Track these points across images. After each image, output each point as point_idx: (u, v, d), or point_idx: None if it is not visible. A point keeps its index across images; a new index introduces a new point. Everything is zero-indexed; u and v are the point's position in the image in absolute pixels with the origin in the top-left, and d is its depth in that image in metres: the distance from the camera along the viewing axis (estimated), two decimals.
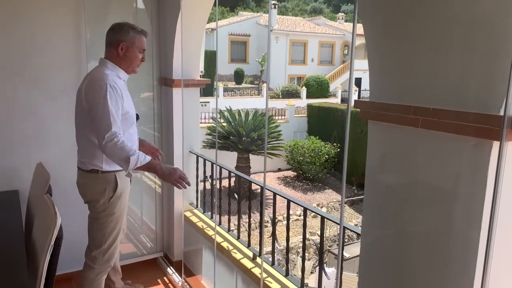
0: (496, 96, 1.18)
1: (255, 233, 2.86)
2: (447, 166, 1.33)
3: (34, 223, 2.36)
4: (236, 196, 2.98)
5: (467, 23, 1.23)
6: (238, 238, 2.97)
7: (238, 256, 2.80)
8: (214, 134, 13.16)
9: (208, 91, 22.90)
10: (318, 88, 24.25)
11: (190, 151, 3.55)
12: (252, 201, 12.75)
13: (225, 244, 2.96)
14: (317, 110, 17.24)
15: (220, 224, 3.23)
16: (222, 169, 3.19)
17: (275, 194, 2.51)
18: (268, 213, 12.31)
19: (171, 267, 3.53)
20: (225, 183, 3.20)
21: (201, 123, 15.44)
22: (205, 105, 19.68)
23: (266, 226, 11.72)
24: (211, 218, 3.32)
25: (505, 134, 1.16)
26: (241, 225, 3.02)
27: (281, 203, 13.26)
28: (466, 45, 1.24)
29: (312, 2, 56.31)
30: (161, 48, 3.48)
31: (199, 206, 3.59)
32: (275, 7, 28.93)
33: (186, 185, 2.14)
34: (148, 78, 3.53)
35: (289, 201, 2.37)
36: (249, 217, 2.83)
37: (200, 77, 3.66)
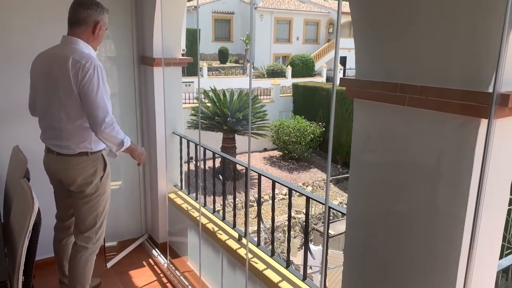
0: (484, 73, 1.15)
1: (241, 213, 2.84)
2: (434, 145, 1.30)
3: (12, 208, 2.29)
4: (221, 177, 2.93)
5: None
6: (223, 219, 2.95)
7: (223, 237, 2.78)
8: (200, 115, 13.03)
9: (192, 70, 22.55)
10: (303, 67, 24.10)
11: (173, 132, 3.47)
12: (238, 181, 12.80)
13: (210, 226, 2.94)
14: (302, 89, 17.17)
15: (205, 205, 3.20)
16: (207, 150, 3.14)
17: (260, 175, 2.47)
18: (253, 193, 12.39)
19: (156, 249, 3.50)
20: (210, 163, 3.14)
21: (185, 103, 15.24)
22: (189, 85, 19.38)
23: (252, 206, 11.82)
24: (196, 199, 3.28)
25: (493, 111, 1.13)
26: (227, 205, 2.99)
27: (267, 183, 13.31)
28: (454, 20, 1.20)
29: None
30: (139, 26, 3.34)
31: (183, 187, 3.54)
32: None
33: (143, 161, 2.42)
34: (128, 56, 3.40)
35: (274, 182, 2.34)
36: (234, 198, 2.79)
37: (182, 56, 3.55)
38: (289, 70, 23.06)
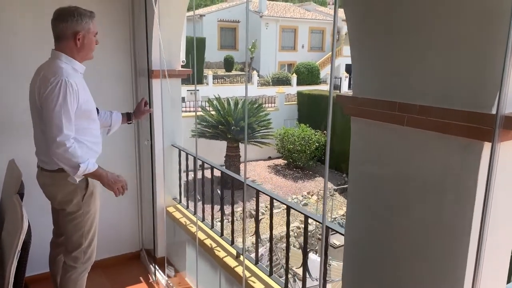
0: (487, 93, 1.07)
1: (241, 227, 2.73)
2: (435, 168, 1.23)
3: (4, 224, 2.24)
4: (219, 191, 2.87)
5: (457, 14, 1.12)
6: (221, 235, 2.88)
7: (221, 254, 2.70)
8: (203, 123, 12.98)
9: (197, 78, 22.58)
10: (308, 75, 24.06)
11: (172, 145, 3.42)
12: (240, 190, 12.70)
13: (208, 242, 2.87)
14: (307, 97, 17.10)
15: (203, 220, 3.13)
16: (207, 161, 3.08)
17: (257, 192, 2.40)
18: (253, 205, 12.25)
19: (154, 264, 3.43)
20: (212, 174, 3.07)
21: (190, 111, 15.24)
22: (194, 93, 19.43)
23: (253, 217, 11.73)
24: (194, 213, 3.22)
25: (497, 134, 1.05)
26: (226, 219, 2.92)
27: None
28: (457, 38, 1.13)
29: None
30: (138, 38, 3.31)
31: (182, 201, 3.48)
32: None
33: (121, 192, 2.23)
34: (126, 68, 3.36)
35: (272, 199, 2.26)
36: (232, 214, 2.72)
37: (182, 67, 3.51)
38: (294, 78, 23.04)
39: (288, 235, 2.28)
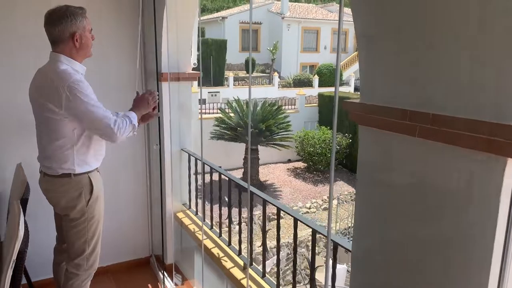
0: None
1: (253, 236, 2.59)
2: (450, 187, 1.08)
3: (6, 230, 2.21)
4: (226, 199, 2.77)
5: (482, 18, 0.97)
6: (229, 244, 2.77)
7: (228, 264, 2.60)
8: (222, 125, 12.94)
9: (218, 80, 22.64)
10: (330, 76, 23.72)
11: (182, 149, 3.34)
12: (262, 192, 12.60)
13: (216, 251, 2.77)
14: (328, 99, 16.83)
15: (211, 227, 3.03)
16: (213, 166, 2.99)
17: (264, 201, 2.27)
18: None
19: (163, 271, 3.36)
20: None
21: (210, 113, 15.25)
22: (215, 95, 19.48)
23: (272, 220, 11.58)
24: (203, 221, 3.12)
25: None
26: (235, 226, 2.81)
27: (290, 196, 12.91)
28: (480, 42, 0.98)
29: None
30: (147, 41, 3.25)
31: (191, 206, 3.39)
32: None
33: (156, 94, 2.30)
34: (136, 71, 3.31)
35: (279, 209, 2.14)
36: (240, 224, 2.60)
37: (194, 70, 3.44)
38: (316, 80, 22.77)
39: (295, 249, 2.14)
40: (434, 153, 1.11)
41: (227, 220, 2.82)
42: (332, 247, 1.81)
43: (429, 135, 1.10)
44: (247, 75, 25.26)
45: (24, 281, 2.76)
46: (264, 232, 2.31)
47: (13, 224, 1.91)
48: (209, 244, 2.85)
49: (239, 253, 2.65)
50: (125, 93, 3.31)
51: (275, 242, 9.43)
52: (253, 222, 2.37)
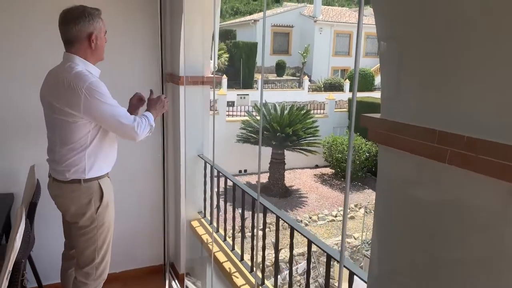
0: None
1: (267, 249, 2.40)
2: (489, 230, 0.88)
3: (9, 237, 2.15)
4: (239, 211, 2.61)
5: None
6: (241, 259, 2.62)
7: (239, 281, 2.45)
8: (248, 128, 12.83)
9: (248, 83, 22.58)
10: (362, 81, 23.14)
11: (198, 155, 3.22)
12: (286, 199, 12.36)
13: (227, 265, 2.62)
14: (359, 104, 16.33)
15: (225, 239, 2.89)
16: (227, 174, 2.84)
17: (278, 218, 2.10)
18: (301, 212, 11.73)
19: (176, 281, 3.25)
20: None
21: (238, 116, 15.20)
22: (244, 98, 19.43)
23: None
24: (216, 231, 2.99)
25: None
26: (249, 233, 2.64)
27: (316, 202, 12.63)
28: None
29: None
30: (167, 43, 3.17)
31: (206, 215, 3.27)
32: None
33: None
34: (156, 74, 3.23)
35: (292, 228, 1.96)
36: (252, 239, 2.45)
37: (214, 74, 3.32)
38: (347, 84, 22.29)
39: (309, 271, 1.96)
40: (470, 183, 0.92)
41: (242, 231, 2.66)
42: (345, 270, 1.62)
43: (463, 162, 0.90)
44: (278, 78, 25.10)
45: (34, 283, 2.74)
46: (276, 251, 2.14)
47: (12, 233, 1.85)
48: (221, 257, 2.71)
49: (251, 270, 2.49)
50: (145, 95, 3.25)
51: (297, 250, 9.22)
52: (261, 240, 2.20)
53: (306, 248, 2.06)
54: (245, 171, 14.07)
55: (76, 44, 1.89)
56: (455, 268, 0.98)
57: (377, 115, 1.17)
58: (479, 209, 0.91)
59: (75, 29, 1.86)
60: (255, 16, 30.55)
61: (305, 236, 1.84)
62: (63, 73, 1.88)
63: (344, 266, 1.58)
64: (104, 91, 1.90)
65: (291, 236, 1.99)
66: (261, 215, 2.29)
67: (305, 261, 9.59)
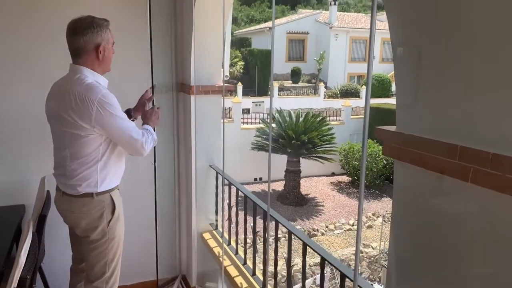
0: None
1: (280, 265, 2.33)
2: None
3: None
4: (251, 224, 2.54)
5: None
6: (253, 274, 2.54)
7: None
8: (263, 136, 12.75)
9: (263, 90, 22.56)
10: (379, 87, 22.84)
11: (210, 165, 3.17)
12: (302, 207, 12.19)
13: (239, 280, 2.54)
14: (375, 111, 16.08)
15: (237, 253, 2.82)
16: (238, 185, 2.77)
17: (290, 233, 2.01)
18: (317, 221, 11.56)
19: None
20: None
21: (253, 123, 15.15)
22: (259, 105, 19.39)
23: (316, 234, 11.15)
24: (228, 244, 2.92)
25: None
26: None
27: (332, 211, 12.43)
28: None
29: None
30: (179, 52, 3.14)
31: (218, 227, 3.20)
32: (335, 4, 27.80)
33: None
34: (167, 83, 3.21)
35: (305, 244, 1.87)
36: (264, 253, 2.36)
37: (226, 83, 3.27)
38: (363, 90, 22.03)
39: (322, 283, 1.86)
40: (495, 204, 0.83)
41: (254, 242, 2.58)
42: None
43: (488, 181, 0.82)
44: (293, 85, 25.01)
45: None
46: (289, 267, 2.06)
47: (18, 250, 1.82)
48: (232, 271, 2.63)
49: (263, 286, 2.41)
50: (160, 104, 3.24)
51: (314, 260, 9.05)
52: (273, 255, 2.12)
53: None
54: (260, 179, 13.97)
55: (83, 55, 1.87)
56: (478, 284, 0.88)
57: (392, 128, 1.08)
58: (505, 226, 0.82)
59: (83, 40, 1.84)
60: (270, 23, 30.62)
61: (318, 253, 1.75)
62: (73, 85, 1.85)
63: (359, 286, 1.49)
64: (115, 103, 1.88)
65: (304, 253, 1.90)
66: (272, 224, 2.21)
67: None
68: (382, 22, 29.62)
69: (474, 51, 0.86)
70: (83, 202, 1.99)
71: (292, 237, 2.03)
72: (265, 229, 2.38)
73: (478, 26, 0.84)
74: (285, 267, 2.18)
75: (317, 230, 11.40)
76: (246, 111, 16.89)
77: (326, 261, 1.69)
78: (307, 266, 8.56)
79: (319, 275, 2.04)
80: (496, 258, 0.85)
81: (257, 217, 2.59)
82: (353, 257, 10.58)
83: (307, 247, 1.86)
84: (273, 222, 2.15)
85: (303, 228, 11.22)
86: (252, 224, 2.52)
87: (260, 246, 2.68)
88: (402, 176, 1.07)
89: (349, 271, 1.60)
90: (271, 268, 2.56)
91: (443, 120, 0.94)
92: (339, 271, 1.61)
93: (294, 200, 12.52)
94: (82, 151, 1.91)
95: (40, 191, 2.58)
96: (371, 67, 1.16)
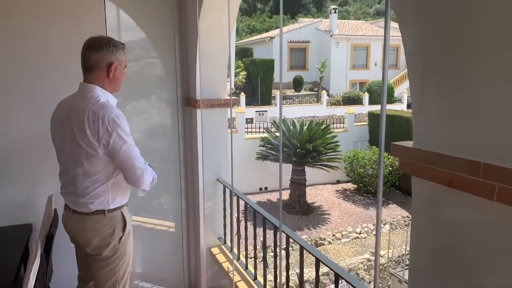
0: None
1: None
2: None
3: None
4: (261, 238, 2.50)
5: None
6: None
7: None
8: (267, 145, 12.73)
9: (266, 99, 22.60)
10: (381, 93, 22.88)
11: (217, 179, 3.14)
12: (308, 216, 12.10)
13: None
14: (379, 118, 16.07)
15: (246, 268, 2.78)
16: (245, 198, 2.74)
17: (302, 248, 1.97)
18: (324, 230, 11.41)
19: None
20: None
21: (257, 132, 15.14)
22: (263, 114, 19.40)
23: (323, 244, 11.02)
24: (238, 259, 2.88)
25: None
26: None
27: (339, 219, 12.36)
28: None
29: (376, 4, 54.12)
30: (184, 66, 3.14)
31: (227, 242, 3.16)
32: (335, 12, 27.95)
33: None
34: (172, 97, 3.20)
35: (318, 260, 1.84)
36: (275, 268, 2.32)
37: (232, 95, 3.26)
38: (366, 97, 22.03)
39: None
40: None
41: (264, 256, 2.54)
42: None
43: None
44: (295, 93, 25.06)
45: None
46: (301, 283, 2.02)
47: (27, 271, 1.79)
48: (242, 286, 2.59)
49: None
50: (163, 118, 3.24)
51: (322, 270, 8.95)
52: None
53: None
54: (266, 188, 13.91)
55: (95, 71, 1.89)
56: None
57: (409, 143, 1.06)
58: None
59: (97, 56, 1.86)
60: (271, 33, 30.80)
61: (331, 269, 1.71)
62: (87, 103, 1.85)
63: None
64: (125, 126, 1.87)
65: (317, 270, 1.87)
66: (283, 238, 2.18)
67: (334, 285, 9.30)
68: (383, 29, 29.73)
69: (494, 62, 0.84)
70: (95, 219, 1.97)
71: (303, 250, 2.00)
72: (276, 245, 2.34)
73: (502, 36, 0.82)
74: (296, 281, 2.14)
75: (324, 239, 11.31)
76: (249, 120, 16.90)
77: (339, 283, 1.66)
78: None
79: (332, 286, 2.00)
80: None
81: (260, 228, 2.56)
82: (361, 265, 10.47)
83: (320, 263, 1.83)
84: (283, 236, 2.12)
85: (310, 237, 11.13)
86: (262, 238, 2.48)
87: (270, 261, 2.64)
88: (420, 192, 1.05)
89: (363, 286, 1.56)
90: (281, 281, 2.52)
91: (464, 135, 0.91)
92: (354, 287, 1.57)
93: (300, 209, 12.45)
94: (94, 169, 1.90)
95: (47, 209, 2.56)
96: (386, 75, 1.14)
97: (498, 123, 0.83)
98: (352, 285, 1.59)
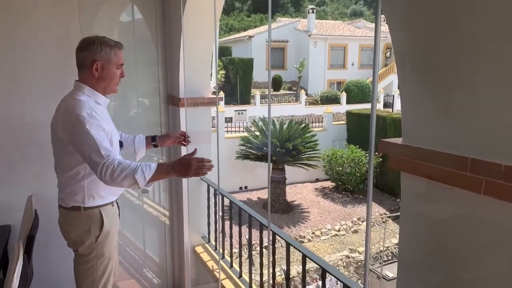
0: None
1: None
2: None
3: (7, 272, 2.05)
4: (246, 237, 2.51)
5: None
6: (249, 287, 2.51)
7: None
8: (248, 145, 12.75)
9: (245, 99, 22.60)
10: (359, 93, 23.24)
11: (201, 178, 3.13)
12: (287, 214, 12.20)
13: None
14: (357, 117, 16.36)
15: (231, 266, 2.78)
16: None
17: (288, 244, 2.00)
18: (305, 227, 11.53)
19: None
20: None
21: (236, 131, 15.14)
22: (242, 113, 19.40)
23: (303, 241, 11.17)
24: (222, 257, 2.88)
25: None
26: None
27: (318, 217, 12.52)
28: None
29: (352, 5, 54.98)
30: (167, 65, 3.11)
31: (211, 240, 3.16)
32: (313, 12, 28.21)
33: (210, 167, 1.73)
34: (155, 96, 3.17)
35: (304, 256, 1.86)
36: (261, 266, 2.34)
37: (213, 94, 3.26)
38: (343, 96, 22.36)
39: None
40: (508, 218, 0.84)
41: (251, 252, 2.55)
42: None
43: (501, 193, 0.83)
44: (274, 92, 25.14)
45: None
46: (287, 279, 2.04)
47: (9, 274, 1.75)
48: (228, 285, 2.60)
49: None
50: (146, 117, 3.21)
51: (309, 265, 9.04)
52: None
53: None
54: (246, 187, 13.94)
55: (83, 71, 1.90)
56: None
57: (398, 140, 1.09)
58: None
59: (82, 55, 1.88)
60: (249, 32, 30.82)
61: (320, 266, 1.74)
62: (68, 99, 1.89)
63: None
64: (92, 125, 1.77)
65: (303, 265, 1.89)
66: (270, 236, 2.19)
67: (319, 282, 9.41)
68: (360, 29, 30.24)
69: (483, 60, 0.87)
70: (72, 214, 1.98)
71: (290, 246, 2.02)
72: (262, 242, 2.36)
73: (488, 34, 0.85)
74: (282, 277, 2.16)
75: (304, 236, 11.42)
76: (228, 120, 16.87)
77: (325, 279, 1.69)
78: (300, 271, 8.49)
79: (320, 282, 2.03)
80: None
81: (244, 226, 2.57)
82: (340, 262, 10.64)
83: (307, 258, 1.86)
84: (269, 234, 2.14)
85: (290, 235, 11.21)
86: (247, 236, 2.49)
87: (255, 259, 2.65)
88: (410, 188, 1.08)
89: (351, 281, 1.59)
90: (265, 279, 2.54)
91: (452, 132, 0.95)
92: (342, 282, 1.61)
93: (280, 208, 12.53)
94: (68, 164, 1.91)
95: (27, 210, 2.49)
96: (376, 78, 1.17)
97: (484, 119, 0.87)
98: (340, 281, 1.62)
